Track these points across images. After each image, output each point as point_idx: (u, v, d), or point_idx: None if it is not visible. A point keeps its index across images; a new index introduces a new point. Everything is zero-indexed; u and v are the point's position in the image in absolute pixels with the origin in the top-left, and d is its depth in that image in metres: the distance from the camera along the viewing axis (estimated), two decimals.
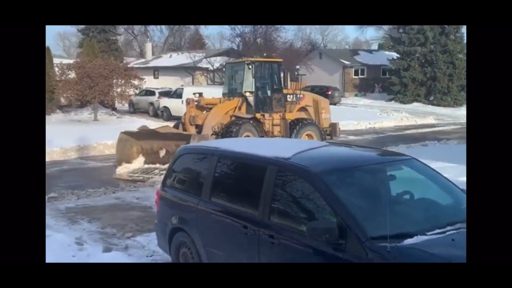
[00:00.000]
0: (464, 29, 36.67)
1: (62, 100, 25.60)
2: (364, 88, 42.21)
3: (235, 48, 30.10)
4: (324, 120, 15.16)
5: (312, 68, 34.30)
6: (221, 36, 47.18)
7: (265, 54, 15.83)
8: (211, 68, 28.17)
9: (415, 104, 34.46)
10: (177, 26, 42.42)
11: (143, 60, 46.95)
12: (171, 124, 15.79)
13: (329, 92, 34.70)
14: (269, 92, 14.07)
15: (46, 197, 9.61)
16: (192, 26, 45.21)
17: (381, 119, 25.31)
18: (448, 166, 9.76)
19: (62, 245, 6.15)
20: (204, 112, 13.93)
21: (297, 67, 36.69)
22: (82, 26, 43.81)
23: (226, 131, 12.82)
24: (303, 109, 14.70)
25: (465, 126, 23.66)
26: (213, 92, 16.62)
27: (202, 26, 46.88)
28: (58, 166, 13.50)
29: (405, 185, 4.54)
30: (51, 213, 8.56)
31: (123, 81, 23.49)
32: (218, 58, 29.93)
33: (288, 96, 14.41)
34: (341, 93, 37.42)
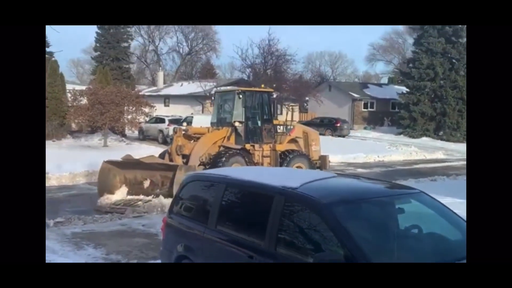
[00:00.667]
0: None
1: (73, 125, 25.89)
2: (373, 121, 42.28)
3: (246, 79, 30.42)
4: (314, 152, 14.89)
5: (321, 100, 34.50)
6: (231, 67, 47.87)
7: (262, 86, 15.67)
8: None
9: (424, 138, 34.38)
10: (188, 56, 43.04)
11: (154, 88, 47.56)
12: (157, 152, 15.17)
13: (338, 124, 34.78)
14: (259, 123, 13.73)
15: (53, 221, 9.61)
16: (203, 56, 45.90)
17: (390, 153, 25.22)
18: (457, 201, 9.63)
19: None
20: (192, 141, 13.45)
21: (307, 98, 36.92)
22: (96, 54, 44.69)
23: (214, 162, 12.39)
24: (293, 140, 14.43)
25: None
26: None
27: (214, 57, 47.60)
28: (66, 190, 13.54)
29: (414, 219, 4.49)
30: (57, 238, 8.54)
31: (134, 108, 23.74)
32: (229, 87, 30.37)
33: (278, 127, 14.27)
34: (350, 126, 37.48)
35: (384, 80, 60.07)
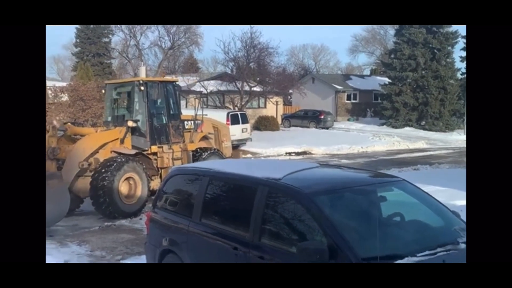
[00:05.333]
0: (455, 54, 37.32)
1: (55, 122, 25.55)
2: (357, 112, 42.54)
3: (229, 72, 30.33)
4: (226, 149, 13.34)
5: (305, 92, 34.53)
6: (214, 61, 47.55)
7: (163, 74, 13.38)
8: (204, 91, 28.36)
9: (407, 128, 34.70)
10: (171, 50, 42.69)
11: None
12: None
13: (322, 116, 34.94)
14: (165, 119, 11.39)
15: None
16: (186, 50, 45.55)
17: (373, 143, 25.45)
18: (440, 189, 9.78)
19: None
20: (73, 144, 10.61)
21: (290, 91, 36.95)
22: (77, 50, 44.13)
23: (99, 173, 9.71)
24: (204, 138, 12.51)
25: (457, 151, 23.85)
26: (209, 116, 15.81)
27: (196, 51, 47.24)
28: None
29: (396, 207, 4.53)
30: None
31: None
32: (212, 82, 30.13)
33: (186, 123, 11.98)
34: (333, 117, 37.67)
35: (367, 71, 60.36)
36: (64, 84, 26.59)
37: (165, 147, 11.12)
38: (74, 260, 7.00)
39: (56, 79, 49.10)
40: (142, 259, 6.24)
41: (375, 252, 3.40)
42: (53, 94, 23.47)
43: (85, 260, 7.13)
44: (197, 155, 11.66)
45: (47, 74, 33.30)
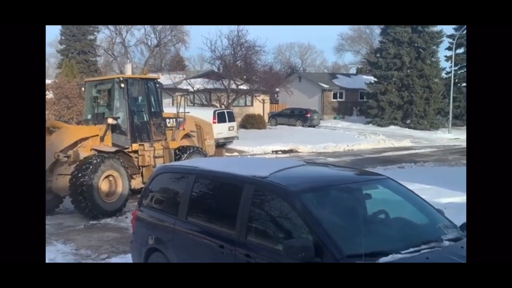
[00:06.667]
0: (440, 54, 37.66)
1: None
2: (343, 111, 42.76)
3: (216, 70, 30.24)
4: (209, 147, 13.17)
5: (291, 91, 34.59)
6: (201, 58, 47.39)
7: (144, 71, 12.88)
8: (191, 89, 28.25)
9: (392, 127, 34.99)
10: (157, 48, 42.47)
11: None
12: None
13: (308, 115, 35.04)
14: (146, 117, 11.22)
15: None
16: (172, 48, 45.33)
17: (359, 142, 25.61)
18: (425, 187, 9.89)
19: None
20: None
21: (277, 89, 37.02)
22: (62, 47, 43.68)
23: (79, 170, 9.51)
24: (187, 135, 12.42)
25: (441, 149, 24.10)
26: (196, 114, 15.74)
27: (183, 48, 47.08)
28: None
29: (381, 204, 4.57)
30: None
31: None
32: (199, 79, 30.00)
33: (168, 120, 11.91)
34: (320, 116, 37.83)
35: (353, 70, 60.67)
36: (49, 81, 26.31)
37: (147, 145, 10.97)
38: (59, 258, 6.94)
39: None
40: (128, 258, 6.21)
41: (360, 249, 3.43)
42: None
43: (70, 258, 7.08)
44: (179, 153, 11.52)
45: None
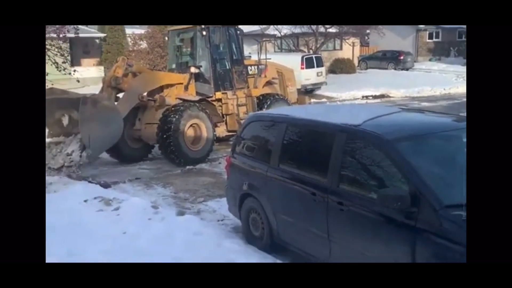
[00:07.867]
0: None
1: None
2: (439, 52, 40.17)
3: None
4: (291, 94, 12.92)
5: (383, 32, 32.95)
6: None
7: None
8: (278, 35, 27.92)
9: None
10: None
11: None
12: None
13: (401, 57, 33.43)
14: (228, 65, 11.15)
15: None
16: None
17: (457, 85, 24.12)
18: None
19: (138, 208, 6.47)
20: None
21: (367, 31, 35.49)
22: None
23: (164, 120, 9.70)
24: (269, 83, 12.18)
25: None
26: (283, 60, 15.20)
27: None
28: None
29: None
30: (128, 177, 9.03)
31: None
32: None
33: (249, 67, 11.76)
34: (414, 58, 35.91)
35: None
36: (142, 31, 27.25)
37: (229, 93, 10.98)
38: (160, 201, 7.41)
39: (135, 26, 50.31)
40: (223, 201, 6.49)
41: (460, 199, 3.30)
42: (132, 42, 24.19)
43: (170, 202, 7.54)
44: (262, 100, 11.48)
45: None
